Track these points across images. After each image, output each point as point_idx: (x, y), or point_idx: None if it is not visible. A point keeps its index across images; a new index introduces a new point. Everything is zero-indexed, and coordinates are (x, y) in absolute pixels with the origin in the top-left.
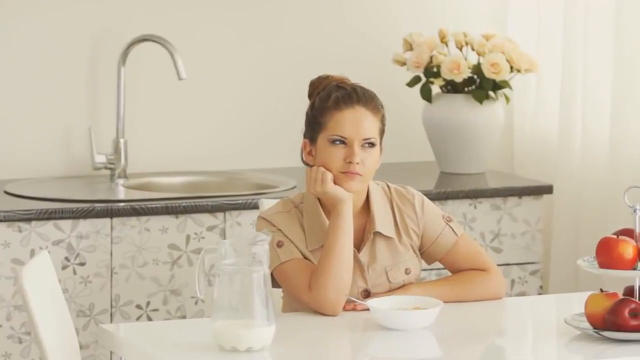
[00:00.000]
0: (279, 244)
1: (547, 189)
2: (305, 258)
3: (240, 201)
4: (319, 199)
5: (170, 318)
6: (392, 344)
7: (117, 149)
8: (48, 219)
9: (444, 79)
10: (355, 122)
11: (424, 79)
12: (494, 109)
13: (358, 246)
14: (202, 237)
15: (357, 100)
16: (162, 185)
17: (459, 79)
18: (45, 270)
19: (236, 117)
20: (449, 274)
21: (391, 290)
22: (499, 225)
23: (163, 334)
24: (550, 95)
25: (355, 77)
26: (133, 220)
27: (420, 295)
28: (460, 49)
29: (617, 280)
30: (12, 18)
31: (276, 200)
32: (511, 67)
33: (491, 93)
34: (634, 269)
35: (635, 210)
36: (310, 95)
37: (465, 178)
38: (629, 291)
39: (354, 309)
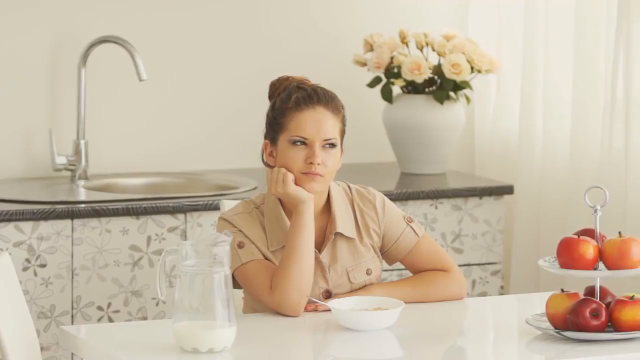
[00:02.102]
0: (240, 245)
1: (508, 190)
2: (267, 259)
3: (201, 202)
4: (280, 200)
5: (131, 319)
6: (353, 344)
7: (77, 151)
8: (8, 220)
9: (405, 80)
10: (315, 122)
11: (384, 80)
12: (455, 110)
13: (319, 247)
14: (163, 239)
15: (318, 101)
16: (123, 187)
17: (419, 79)
18: (6, 272)
19: (197, 118)
20: (410, 274)
21: (352, 291)
22: (459, 226)
23: (124, 335)
24: (510, 96)
25: (316, 77)
26: (94, 221)
27: (382, 296)
28: (421, 50)
29: (578, 280)
30: None
31: (237, 201)
32: (472, 68)
33: (452, 93)
34: (595, 269)
35: (595, 211)
36: (270, 96)
37: (426, 178)
38: (590, 291)
39: (315, 310)
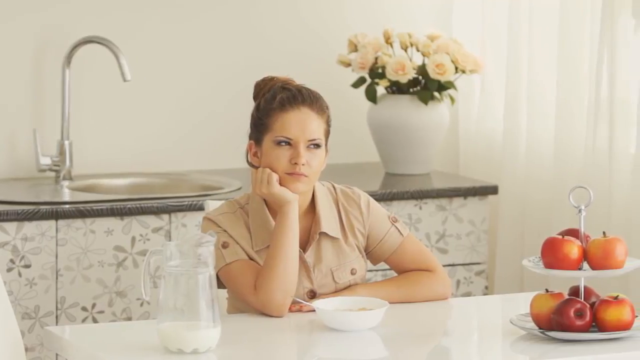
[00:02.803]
0: (225, 245)
1: (493, 190)
2: (251, 259)
3: (186, 202)
4: (264, 200)
5: (115, 320)
6: (338, 344)
7: (62, 151)
8: None
9: (389, 80)
10: (300, 123)
11: (369, 80)
12: (439, 110)
13: (304, 247)
14: (148, 239)
15: (303, 102)
16: (107, 187)
17: (404, 79)
18: None
19: (181, 118)
20: (395, 274)
21: (337, 291)
22: (444, 226)
23: (109, 335)
24: (495, 96)
25: (301, 78)
26: (78, 222)
27: (366, 296)
28: (405, 50)
29: (563, 280)
30: None
31: (221, 202)
32: (456, 68)
33: (436, 94)
34: (579, 269)
35: (580, 211)
36: (255, 97)
37: (410, 179)
38: (575, 291)
39: (299, 310)
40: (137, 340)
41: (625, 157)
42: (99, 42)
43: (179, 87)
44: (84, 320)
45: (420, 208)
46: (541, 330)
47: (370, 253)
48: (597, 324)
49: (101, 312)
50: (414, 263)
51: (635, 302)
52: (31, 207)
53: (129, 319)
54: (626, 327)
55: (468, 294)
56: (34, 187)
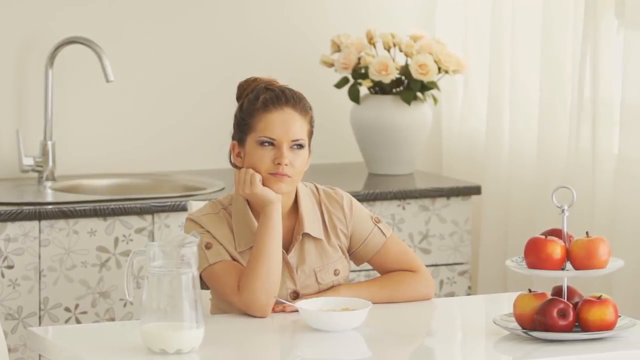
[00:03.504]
0: (208, 246)
1: (476, 190)
2: (234, 260)
3: (169, 203)
4: (247, 201)
5: (99, 320)
6: (321, 345)
7: (45, 152)
8: None
9: (372, 80)
10: (283, 123)
11: (352, 80)
12: (422, 110)
13: (287, 247)
14: (131, 240)
15: (286, 102)
16: (90, 188)
17: (387, 80)
18: None
19: (164, 118)
20: (378, 274)
21: (320, 292)
22: (427, 226)
23: (92, 336)
24: (478, 96)
25: (284, 78)
26: (61, 222)
27: (349, 297)
28: (388, 50)
29: (546, 280)
30: None
31: (205, 202)
32: (439, 68)
33: (419, 94)
34: (562, 269)
35: (563, 211)
36: (238, 98)
37: (393, 179)
38: (558, 291)
39: (283, 311)
40: (120, 340)
41: (609, 157)
42: (82, 43)
43: (162, 88)
44: (67, 321)
45: (404, 208)
46: (524, 331)
47: (354, 254)
48: (580, 324)
49: (84, 312)
50: (397, 263)
51: (618, 302)
52: (14, 208)
53: (112, 319)
54: (609, 327)
55: (451, 294)
56: (17, 188)
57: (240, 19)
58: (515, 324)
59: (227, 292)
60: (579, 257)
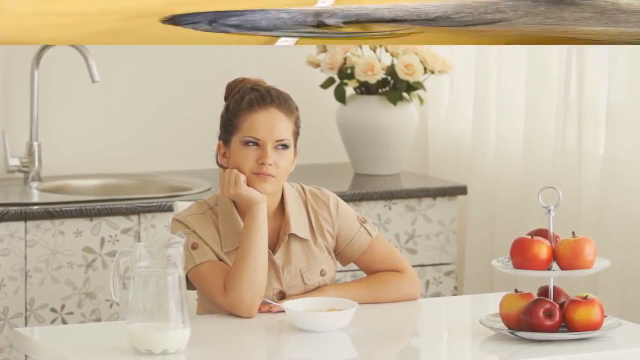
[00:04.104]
0: (194, 246)
1: (462, 190)
2: (220, 260)
3: (155, 203)
4: (233, 201)
5: (85, 321)
6: (307, 345)
7: (30, 152)
8: None
9: (358, 81)
10: (268, 123)
11: (338, 81)
12: (408, 110)
13: (273, 248)
14: (117, 240)
15: (271, 102)
16: (77, 188)
17: (372, 80)
18: None
19: (150, 119)
20: (364, 275)
21: (306, 292)
22: (413, 227)
23: (78, 337)
24: (464, 96)
25: (269, 78)
26: (47, 223)
27: (336, 297)
28: (374, 51)
29: (532, 280)
30: None
31: (191, 203)
32: (425, 69)
33: (405, 94)
34: (549, 269)
35: (549, 211)
36: (226, 98)
37: (379, 179)
38: (544, 291)
39: (269, 311)
40: (106, 341)
41: (594, 157)
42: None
43: (147, 88)
44: (53, 322)
45: (390, 208)
46: (510, 331)
47: (340, 254)
48: (567, 324)
49: (70, 313)
50: (384, 263)
51: (604, 302)
52: (0, 209)
53: (99, 320)
54: (595, 327)
55: (437, 295)
56: (3, 189)
57: None
58: (501, 324)
59: (213, 292)
60: (565, 257)
